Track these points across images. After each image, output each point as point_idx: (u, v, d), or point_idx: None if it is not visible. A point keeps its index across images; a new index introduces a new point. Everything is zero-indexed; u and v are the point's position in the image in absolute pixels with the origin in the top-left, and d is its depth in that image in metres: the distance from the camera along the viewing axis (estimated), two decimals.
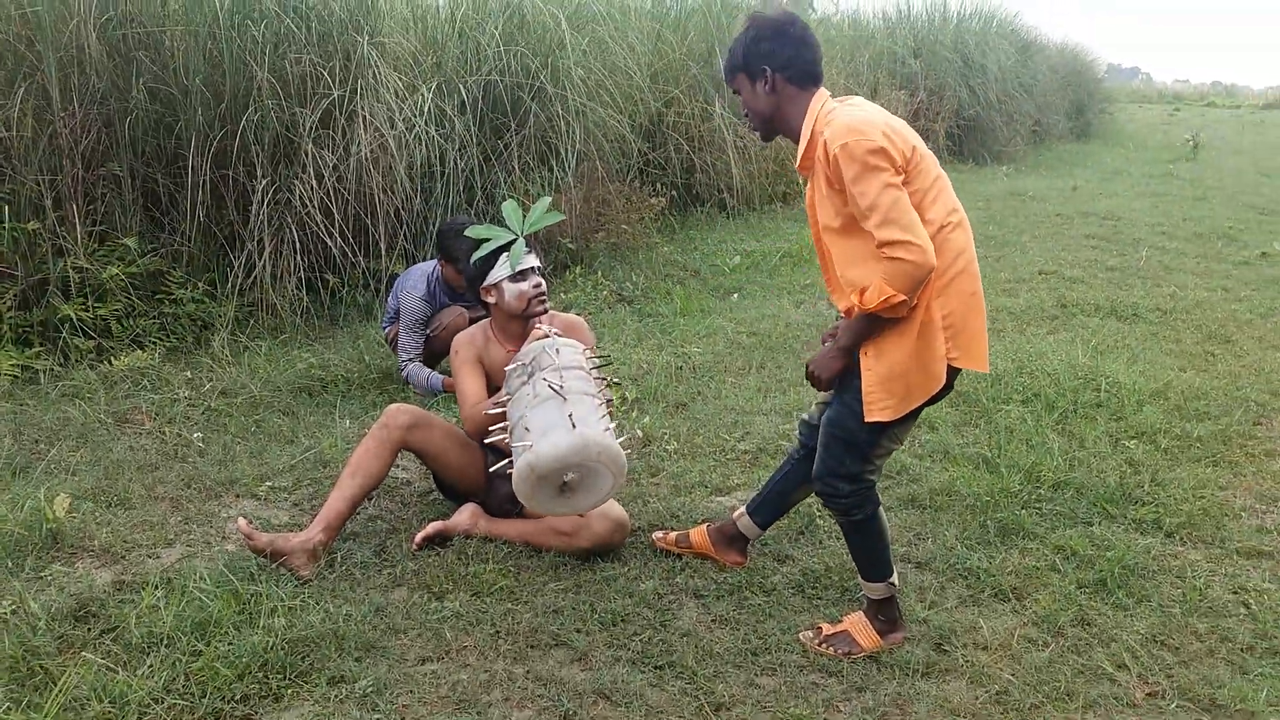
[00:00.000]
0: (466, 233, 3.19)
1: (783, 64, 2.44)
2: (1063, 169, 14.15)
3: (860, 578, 2.66)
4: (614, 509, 3.00)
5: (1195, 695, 2.46)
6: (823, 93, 2.47)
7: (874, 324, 2.38)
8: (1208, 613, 2.82)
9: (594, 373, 2.91)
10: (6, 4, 4.59)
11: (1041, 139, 16.96)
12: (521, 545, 3.03)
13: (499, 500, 3.15)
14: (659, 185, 7.70)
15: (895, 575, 2.63)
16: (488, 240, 3.12)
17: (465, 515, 3.10)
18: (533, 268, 3.14)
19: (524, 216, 3.13)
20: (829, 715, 2.38)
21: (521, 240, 3.11)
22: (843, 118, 2.34)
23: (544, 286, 3.15)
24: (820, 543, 3.16)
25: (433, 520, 3.10)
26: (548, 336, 2.98)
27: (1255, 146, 19.10)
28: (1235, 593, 2.93)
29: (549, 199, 3.22)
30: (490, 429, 2.89)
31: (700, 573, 2.95)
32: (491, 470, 2.98)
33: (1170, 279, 6.99)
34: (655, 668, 2.51)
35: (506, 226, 3.13)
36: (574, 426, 2.60)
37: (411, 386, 4.32)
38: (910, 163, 2.32)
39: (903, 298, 2.27)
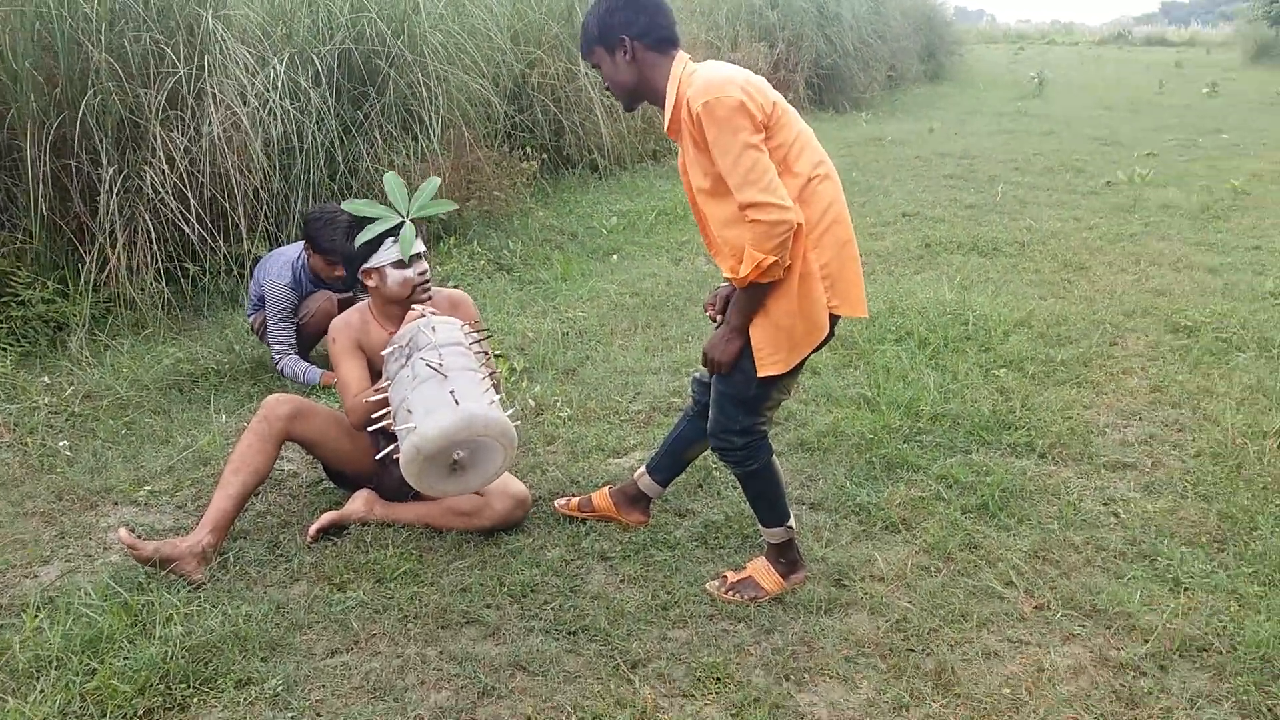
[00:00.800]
0: (345, 206, 2.99)
1: (640, 31, 2.44)
2: (919, 112, 14.60)
3: (759, 525, 2.73)
4: (514, 485, 2.99)
5: (1078, 604, 2.62)
6: (682, 55, 2.48)
7: (757, 294, 2.41)
8: (1082, 525, 3.00)
9: (474, 347, 2.85)
10: None
11: (897, 84, 17.45)
12: (424, 529, 2.98)
13: (393, 484, 3.08)
14: (528, 149, 7.60)
15: (792, 519, 2.71)
16: (369, 218, 2.95)
17: (359, 503, 3.03)
18: (418, 254, 3.02)
19: (408, 194, 3.01)
20: (740, 660, 2.44)
21: (410, 226, 2.97)
22: (703, 76, 2.35)
23: (429, 274, 3.05)
24: (719, 494, 3.22)
25: (325, 510, 3.03)
26: (423, 316, 2.90)
27: (1095, 81, 20.12)
28: (1105, 504, 3.13)
29: (437, 180, 3.06)
30: (373, 415, 2.82)
31: (605, 535, 2.97)
32: (378, 456, 2.91)
33: (1026, 213, 7.33)
34: (569, 633, 2.53)
35: (391, 206, 2.98)
36: (457, 403, 2.56)
37: (288, 380, 4.17)
38: (771, 118, 2.35)
39: (773, 259, 2.30)
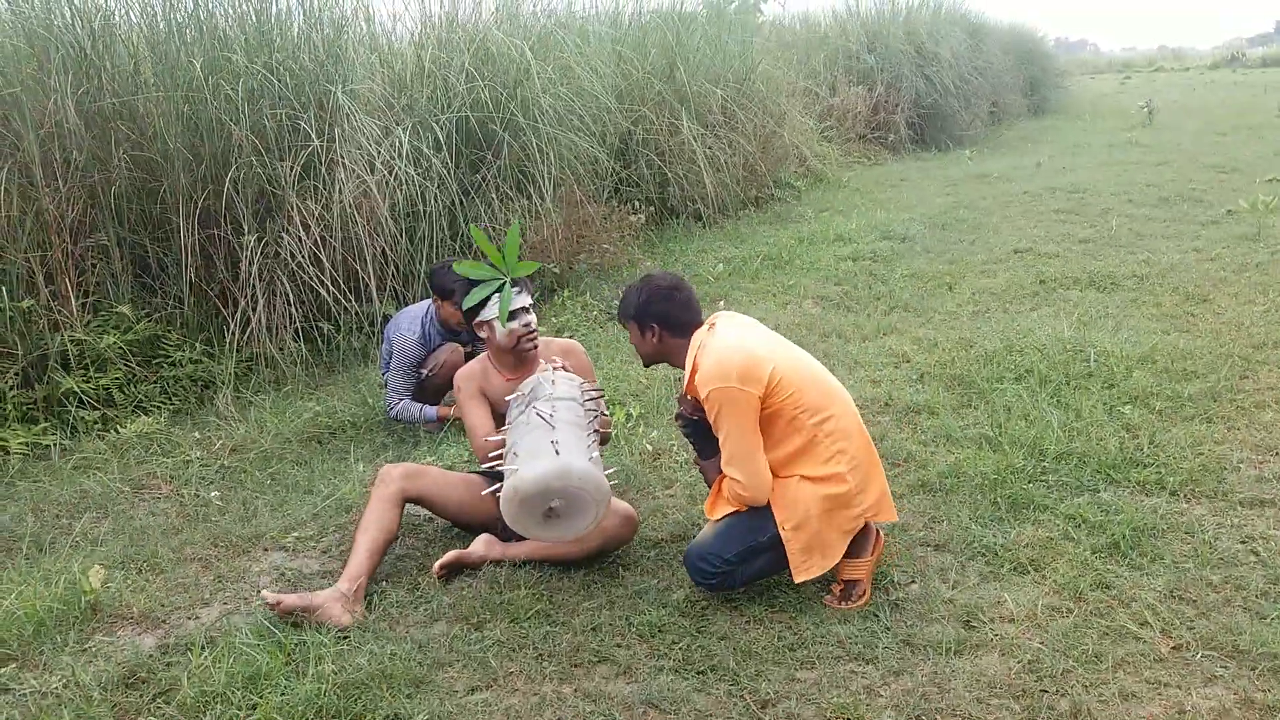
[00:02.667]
0: (456, 268, 3.32)
1: (667, 324, 2.95)
2: (1024, 147, 14.37)
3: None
4: (619, 504, 3.13)
5: (1218, 644, 2.56)
6: (699, 332, 2.93)
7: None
8: (1219, 564, 2.92)
9: (588, 404, 3.06)
10: None
11: (1000, 119, 17.23)
12: (550, 566, 3.10)
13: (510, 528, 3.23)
14: (635, 202, 7.80)
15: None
16: (477, 277, 3.27)
17: (480, 545, 3.19)
18: (523, 307, 3.30)
19: (495, 246, 3.26)
20: (870, 700, 2.45)
21: (509, 287, 3.26)
22: (709, 357, 2.80)
23: (534, 324, 3.33)
24: None
25: (452, 550, 3.18)
26: (548, 370, 3.14)
27: (1208, 107, 19.45)
28: (1243, 542, 3.04)
29: (518, 225, 3.42)
30: (489, 455, 3.06)
31: None
32: (483, 493, 3.14)
33: (1142, 245, 7.14)
34: (698, 673, 2.58)
35: (494, 267, 3.27)
36: (557, 454, 2.74)
37: (405, 422, 4.37)
38: (769, 388, 2.76)
39: (742, 508, 2.86)
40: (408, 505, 3.22)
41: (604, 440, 3.33)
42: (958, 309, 5.75)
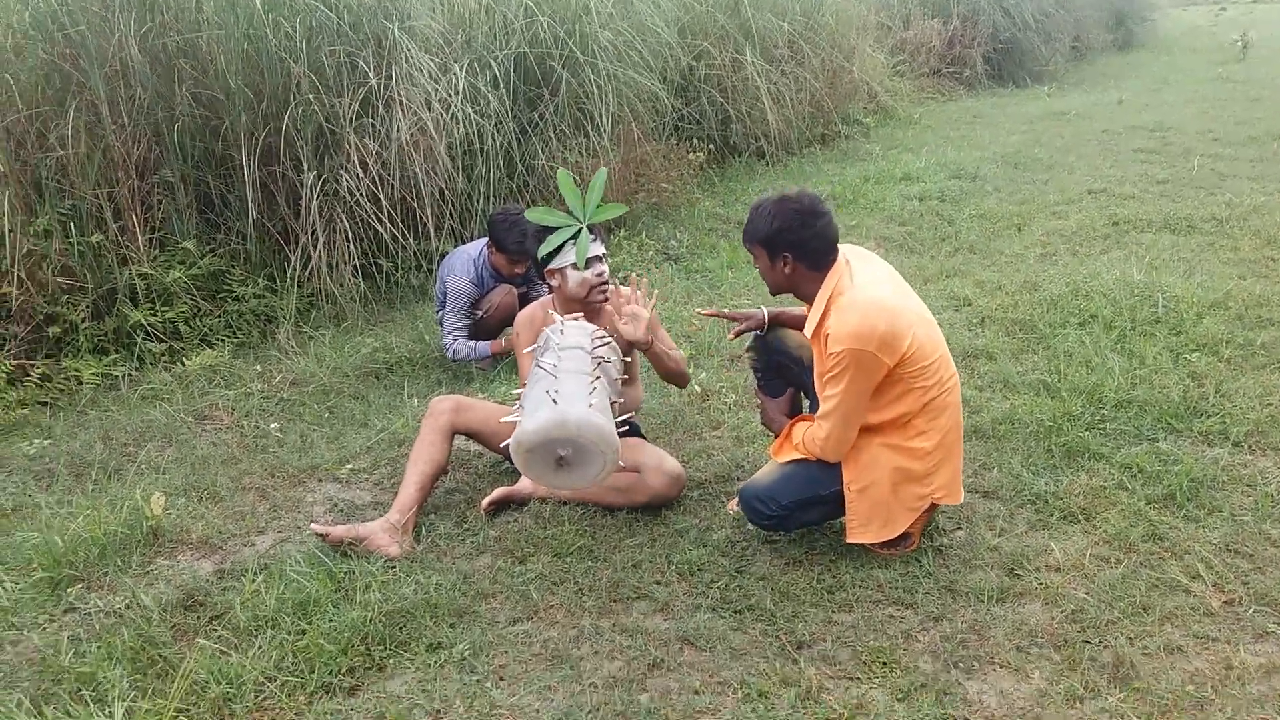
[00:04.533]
0: (528, 215, 3.18)
1: (803, 254, 2.67)
2: (1106, 83, 13.78)
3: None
4: (668, 463, 3.09)
5: (1273, 599, 2.49)
6: (838, 266, 2.69)
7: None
8: None
9: (596, 351, 2.94)
10: (50, 27, 4.72)
11: (1082, 54, 16.51)
12: (594, 506, 3.13)
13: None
14: (695, 140, 7.69)
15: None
16: (550, 223, 3.14)
17: (528, 481, 3.20)
18: (597, 256, 3.19)
19: (579, 191, 3.15)
20: (908, 645, 2.44)
21: (586, 233, 3.13)
22: (852, 312, 2.57)
23: (607, 274, 3.22)
24: None
25: (501, 487, 3.22)
26: (559, 321, 3.02)
27: None
28: None
29: (605, 171, 3.22)
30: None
31: None
32: (502, 420, 3.05)
33: (1225, 187, 6.84)
34: (735, 612, 2.60)
35: (569, 213, 3.15)
36: (555, 403, 2.65)
37: (461, 363, 4.41)
38: (902, 359, 2.58)
39: (806, 454, 2.77)
40: (458, 439, 3.26)
41: (631, 381, 3.25)
42: (1024, 251, 5.58)
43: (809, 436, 2.76)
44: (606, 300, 3.22)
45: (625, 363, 3.12)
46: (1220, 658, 2.31)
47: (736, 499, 3.14)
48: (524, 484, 3.20)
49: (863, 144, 9.40)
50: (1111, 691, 2.23)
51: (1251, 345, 3.95)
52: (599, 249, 3.19)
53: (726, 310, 3.17)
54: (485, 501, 3.14)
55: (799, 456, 2.81)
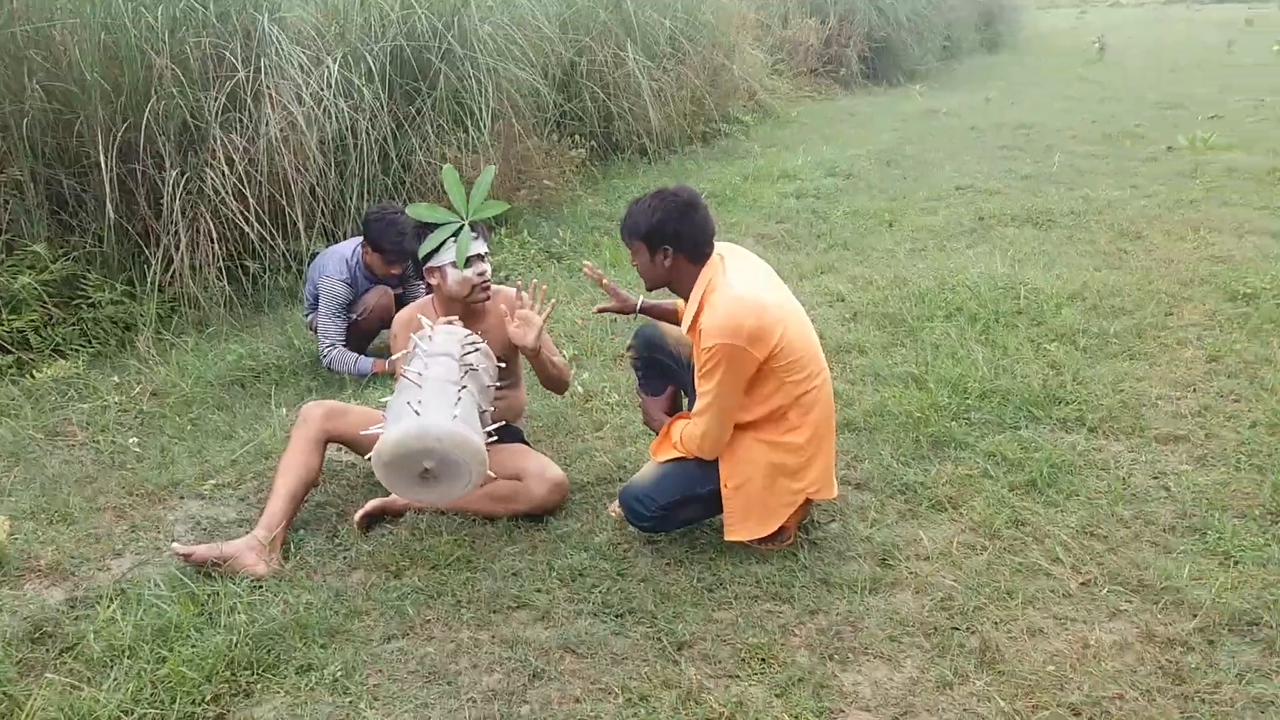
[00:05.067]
0: (409, 210, 3.10)
1: (683, 246, 2.69)
2: (975, 83, 14.32)
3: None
4: (550, 470, 3.05)
5: (1124, 579, 2.61)
6: (713, 261, 2.71)
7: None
8: (1131, 500, 2.97)
9: (465, 358, 2.86)
10: None
11: (953, 54, 17.12)
12: (473, 516, 3.06)
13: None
14: (577, 136, 7.65)
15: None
16: (431, 220, 3.06)
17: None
18: (479, 255, 3.09)
19: (463, 189, 3.08)
20: (785, 640, 2.47)
21: (467, 230, 3.05)
22: (721, 306, 2.60)
23: (489, 273, 3.13)
24: None
25: (374, 498, 3.12)
26: (426, 327, 2.94)
27: (1161, 44, 19.47)
28: (1155, 478, 3.10)
29: (493, 169, 3.17)
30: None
31: None
32: (363, 433, 2.96)
33: (1083, 182, 7.18)
34: (616, 616, 2.58)
35: (451, 208, 3.07)
36: (417, 414, 2.59)
37: (338, 373, 4.27)
38: (773, 353, 2.61)
39: (684, 453, 2.78)
40: (331, 449, 3.14)
41: (504, 385, 3.16)
42: (895, 247, 5.74)
43: (686, 434, 2.77)
44: (488, 299, 3.15)
45: (501, 367, 3.05)
46: (1078, 637, 2.41)
47: (618, 501, 3.13)
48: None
49: (742, 142, 9.53)
50: (979, 675, 2.31)
51: (1106, 334, 4.15)
52: (481, 247, 3.10)
53: (607, 280, 3.15)
54: (358, 514, 3.03)
55: (678, 455, 2.82)
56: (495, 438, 2.92)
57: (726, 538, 2.78)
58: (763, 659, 2.41)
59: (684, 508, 2.81)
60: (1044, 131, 9.51)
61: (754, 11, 11.78)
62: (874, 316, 4.54)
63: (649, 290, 2.87)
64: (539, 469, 3.03)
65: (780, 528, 2.81)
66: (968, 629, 2.47)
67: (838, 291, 4.94)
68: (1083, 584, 2.62)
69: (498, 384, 3.03)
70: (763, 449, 2.72)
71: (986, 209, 6.46)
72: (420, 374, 2.72)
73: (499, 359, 3.06)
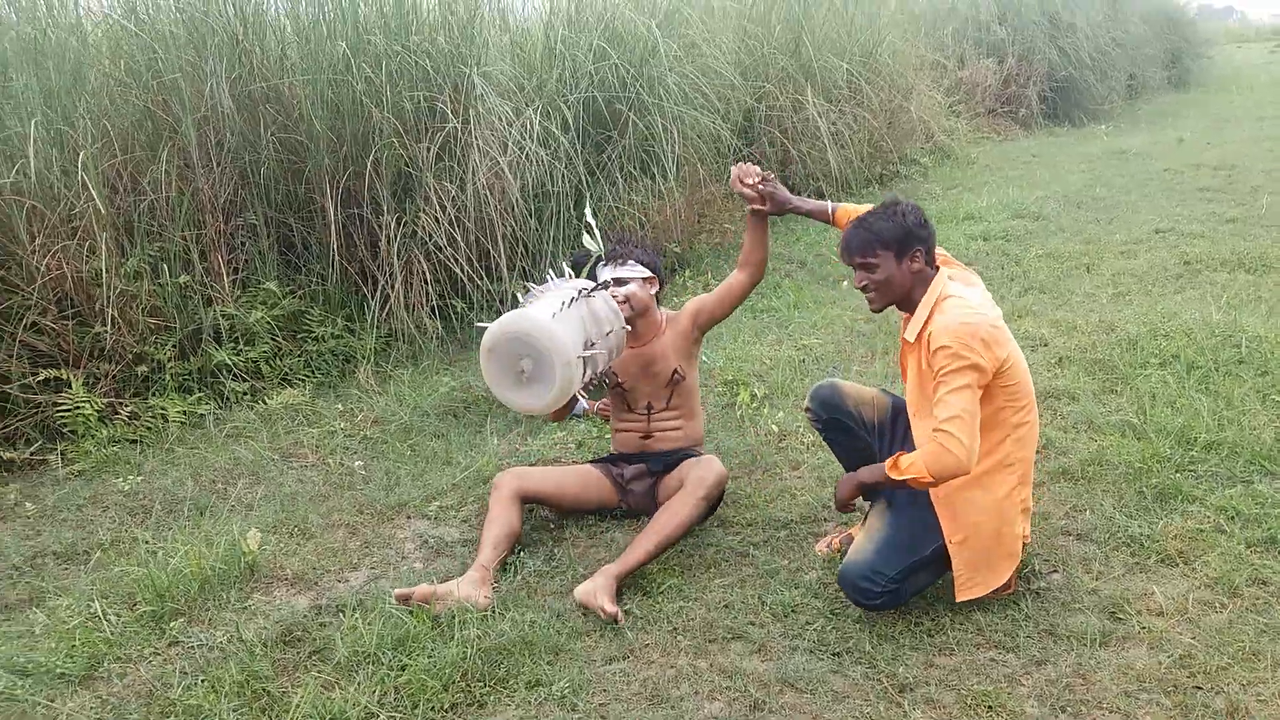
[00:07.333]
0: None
1: (928, 249, 2.71)
2: (1164, 122, 13.66)
3: None
4: (705, 460, 3.18)
5: None
6: (942, 271, 2.72)
7: (898, 485, 2.60)
8: None
9: (585, 292, 3.07)
10: (144, 73, 4.91)
11: (1138, 93, 16.44)
12: (669, 544, 3.03)
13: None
14: None
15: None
16: (588, 245, 3.41)
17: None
18: (612, 280, 3.30)
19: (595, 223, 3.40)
20: (1012, 689, 2.42)
21: (595, 257, 3.39)
22: (953, 315, 2.58)
23: (620, 296, 3.28)
24: None
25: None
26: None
27: None
28: None
29: (589, 208, 3.51)
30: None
31: None
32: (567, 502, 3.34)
33: None
34: (834, 654, 2.59)
35: (594, 238, 3.39)
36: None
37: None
38: (1002, 368, 2.57)
39: (930, 481, 2.53)
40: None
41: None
42: (1096, 291, 5.53)
43: (930, 456, 2.49)
44: (627, 323, 3.28)
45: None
46: None
47: (824, 541, 3.14)
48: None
49: (921, 184, 9.40)
50: None
51: None
52: (609, 273, 3.33)
53: (772, 175, 3.29)
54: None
55: (890, 523, 2.73)
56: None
57: (959, 598, 2.67)
58: (989, 706, 2.36)
59: (914, 576, 2.68)
60: (1247, 173, 8.98)
61: (930, 53, 11.65)
62: (1082, 363, 4.39)
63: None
64: (690, 466, 3.18)
65: None
66: (1212, 689, 2.35)
67: (1040, 335, 4.79)
68: None
69: (625, 327, 3.21)
70: (980, 494, 2.64)
71: (1192, 253, 6.15)
72: (539, 296, 3.00)
73: (675, 372, 3.35)
